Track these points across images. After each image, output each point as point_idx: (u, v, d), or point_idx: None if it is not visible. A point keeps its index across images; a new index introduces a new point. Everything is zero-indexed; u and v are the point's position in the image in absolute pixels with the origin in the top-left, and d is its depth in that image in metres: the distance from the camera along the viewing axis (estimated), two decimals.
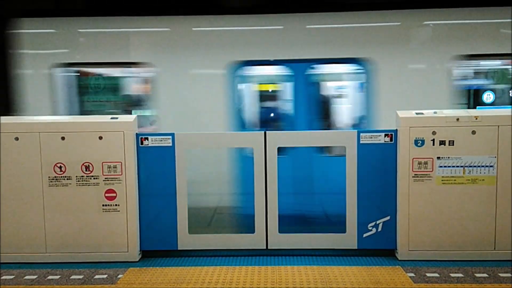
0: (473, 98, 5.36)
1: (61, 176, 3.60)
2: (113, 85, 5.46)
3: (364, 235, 3.69)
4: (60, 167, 3.59)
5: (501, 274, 3.28)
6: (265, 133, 3.68)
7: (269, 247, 3.75)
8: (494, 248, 3.56)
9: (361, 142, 3.62)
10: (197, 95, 4.91)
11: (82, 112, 5.21)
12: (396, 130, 3.60)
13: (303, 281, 3.21)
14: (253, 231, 3.75)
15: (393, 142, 3.61)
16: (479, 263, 3.48)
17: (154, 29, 4.99)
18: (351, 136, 3.65)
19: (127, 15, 4.96)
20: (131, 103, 5.48)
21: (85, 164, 3.59)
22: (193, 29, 4.93)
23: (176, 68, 4.91)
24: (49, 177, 3.60)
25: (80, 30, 4.97)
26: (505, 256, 3.53)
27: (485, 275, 3.27)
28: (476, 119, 3.49)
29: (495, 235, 3.55)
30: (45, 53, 4.94)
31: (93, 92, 5.33)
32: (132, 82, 5.55)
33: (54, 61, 4.86)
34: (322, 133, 3.86)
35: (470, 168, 3.53)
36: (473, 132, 3.50)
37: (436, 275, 3.29)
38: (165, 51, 4.94)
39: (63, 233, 3.64)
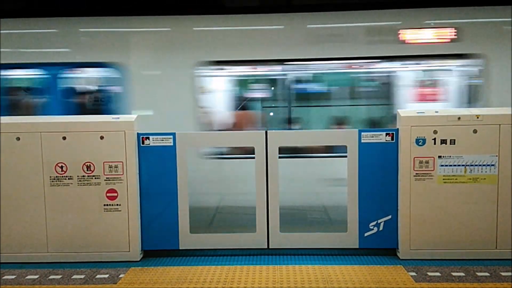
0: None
1: (62, 176, 3.60)
2: None
3: (366, 234, 3.69)
4: (62, 167, 3.60)
5: (502, 273, 3.27)
6: (266, 133, 3.69)
7: (270, 247, 3.75)
8: (496, 247, 3.56)
9: (362, 141, 3.62)
10: None
11: None
12: (397, 129, 3.60)
13: (304, 280, 3.21)
14: (254, 230, 3.75)
15: (394, 141, 3.61)
16: (480, 262, 3.48)
17: None
18: (352, 135, 3.65)
19: None
20: None
21: (86, 164, 3.60)
22: None
23: None
24: (50, 177, 3.60)
25: None
26: (507, 255, 3.53)
27: (486, 274, 3.27)
28: (478, 118, 3.48)
29: (497, 234, 3.55)
30: None
31: None
32: None
33: None
34: (323, 133, 3.86)
35: (472, 167, 3.52)
36: (475, 131, 3.49)
37: (438, 274, 3.29)
38: None
39: (65, 232, 3.65)
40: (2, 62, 4.99)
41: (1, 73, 5.18)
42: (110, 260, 3.63)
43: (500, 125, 3.48)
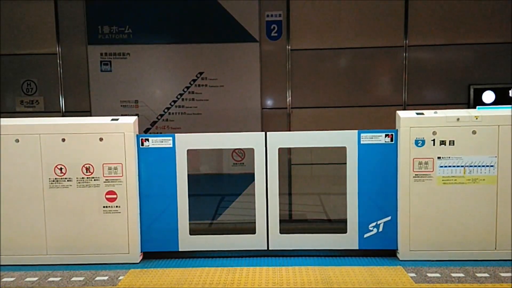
0: None
1: (61, 178, 3.60)
2: None
3: (365, 236, 3.69)
4: (61, 169, 3.59)
5: (502, 274, 3.28)
6: (265, 134, 3.69)
7: (270, 248, 3.75)
8: (495, 248, 3.56)
9: (361, 142, 3.63)
10: None
11: None
12: (397, 130, 3.60)
13: (304, 281, 3.21)
14: (254, 232, 3.75)
15: (393, 142, 3.61)
16: (480, 262, 3.49)
17: None
18: (351, 136, 3.65)
19: None
20: None
21: (85, 166, 3.59)
22: None
23: None
24: (49, 178, 3.59)
25: None
26: (506, 256, 3.54)
27: (486, 274, 3.28)
28: (477, 119, 3.49)
29: (496, 235, 3.55)
30: None
31: None
32: None
33: None
34: (322, 134, 3.86)
35: (471, 168, 3.53)
36: (474, 132, 3.50)
37: (437, 275, 3.29)
38: None
39: (64, 234, 3.64)
40: None
41: None
42: (110, 262, 3.63)
43: (499, 126, 3.49)
